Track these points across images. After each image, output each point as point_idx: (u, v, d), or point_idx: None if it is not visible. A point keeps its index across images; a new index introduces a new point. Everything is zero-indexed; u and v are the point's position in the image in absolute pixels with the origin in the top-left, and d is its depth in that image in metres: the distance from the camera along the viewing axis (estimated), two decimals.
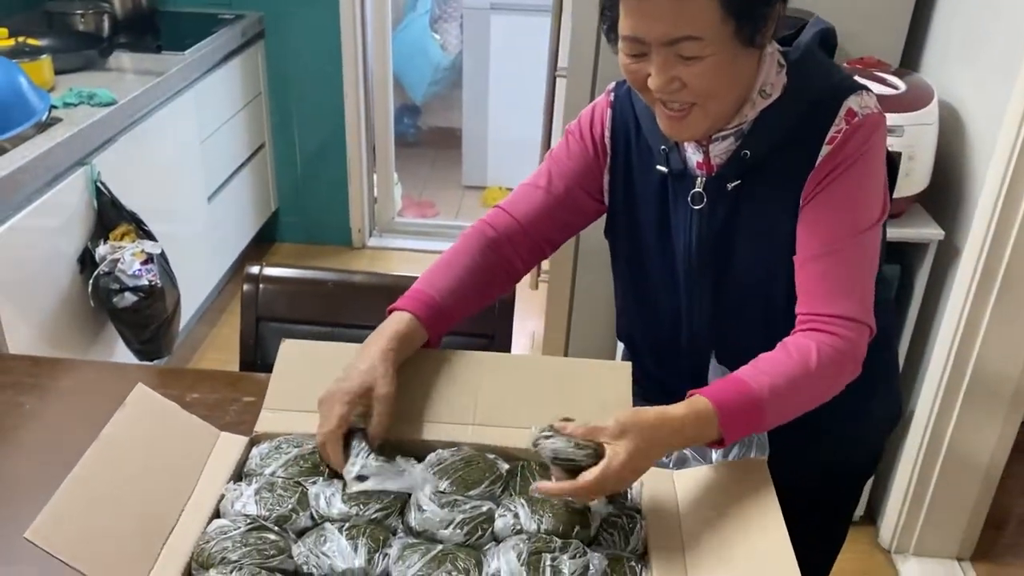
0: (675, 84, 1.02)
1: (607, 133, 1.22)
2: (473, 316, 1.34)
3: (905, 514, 2.16)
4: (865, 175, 1.09)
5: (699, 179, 1.15)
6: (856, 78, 1.14)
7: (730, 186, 1.13)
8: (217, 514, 0.97)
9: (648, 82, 1.03)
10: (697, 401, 1.00)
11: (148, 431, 0.99)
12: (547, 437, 0.95)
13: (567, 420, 0.98)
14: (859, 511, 2.28)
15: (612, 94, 1.24)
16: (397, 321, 1.12)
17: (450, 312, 1.16)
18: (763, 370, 1.03)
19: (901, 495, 2.16)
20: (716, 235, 1.16)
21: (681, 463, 1.10)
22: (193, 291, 2.69)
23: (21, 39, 2.35)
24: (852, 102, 1.08)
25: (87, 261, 2.14)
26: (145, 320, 2.17)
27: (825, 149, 1.08)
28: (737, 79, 1.05)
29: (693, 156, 1.15)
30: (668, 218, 1.20)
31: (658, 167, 1.18)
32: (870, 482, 2.25)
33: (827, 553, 1.48)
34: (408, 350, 1.11)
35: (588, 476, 0.93)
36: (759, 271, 1.15)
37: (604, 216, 1.29)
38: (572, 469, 0.94)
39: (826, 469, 1.34)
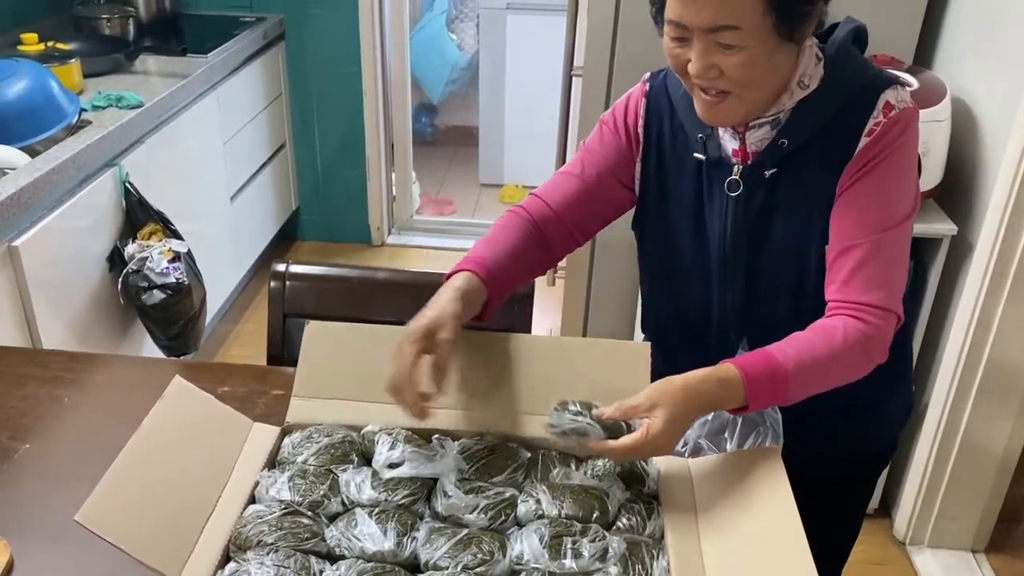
0: (713, 71, 1.06)
1: (641, 122, 1.25)
2: None
3: (920, 506, 2.18)
4: (900, 167, 1.12)
5: (736, 167, 1.18)
6: (891, 72, 1.18)
7: (768, 174, 1.16)
8: (252, 500, 1.01)
9: (688, 67, 1.07)
10: (723, 368, 1.04)
11: (186, 421, 1.04)
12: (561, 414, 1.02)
13: (587, 405, 1.02)
14: (874, 503, 2.30)
15: (648, 84, 1.26)
16: (456, 278, 1.14)
17: (503, 274, 1.18)
18: (790, 345, 1.07)
19: (916, 487, 2.18)
20: (751, 222, 1.19)
21: (696, 452, 1.14)
22: (217, 289, 2.75)
23: (50, 44, 2.41)
24: (889, 95, 1.12)
25: (116, 259, 2.20)
26: (173, 316, 2.22)
27: (864, 140, 1.11)
28: (773, 72, 1.09)
29: (729, 144, 1.18)
30: (703, 205, 1.23)
31: (695, 155, 1.21)
32: (885, 474, 2.27)
33: (843, 543, 1.50)
34: (471, 303, 1.12)
35: (627, 440, 0.99)
36: (792, 258, 1.18)
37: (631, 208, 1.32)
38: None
39: (842, 460, 1.37)
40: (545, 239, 1.26)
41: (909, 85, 1.91)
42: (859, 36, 1.19)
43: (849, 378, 1.11)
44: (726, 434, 1.19)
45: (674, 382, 1.02)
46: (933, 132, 1.90)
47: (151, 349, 2.36)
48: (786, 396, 1.07)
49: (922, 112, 1.86)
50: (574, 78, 2.31)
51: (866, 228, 1.11)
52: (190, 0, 3.26)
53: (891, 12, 2.05)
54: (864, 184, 1.12)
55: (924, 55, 2.16)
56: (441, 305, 1.09)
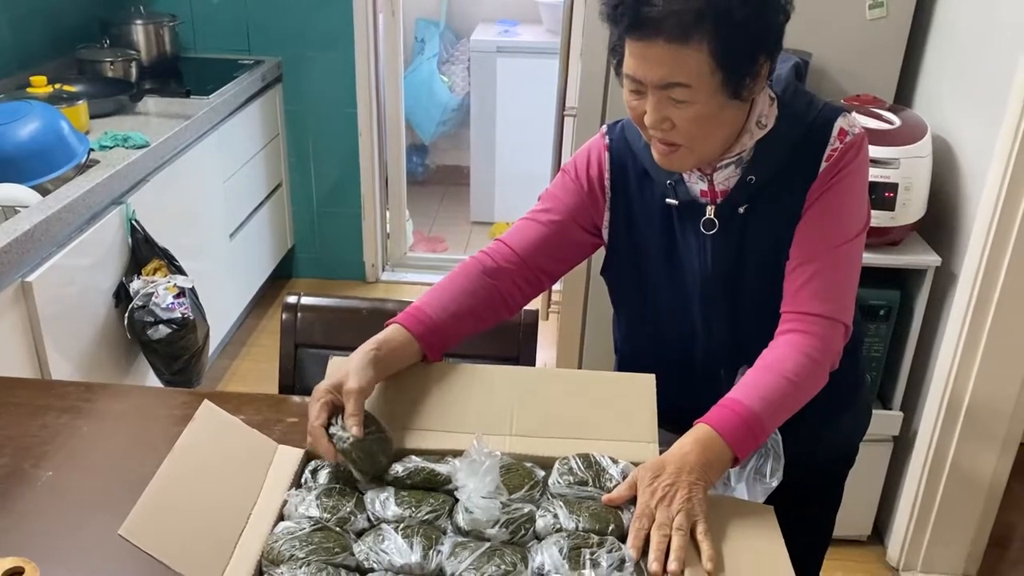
0: (666, 124, 1.13)
1: (607, 175, 1.31)
2: (499, 339, 1.43)
3: (912, 532, 2.22)
4: (853, 187, 1.21)
5: (708, 206, 1.25)
6: (841, 102, 1.26)
7: (741, 209, 1.23)
8: (281, 517, 1.05)
9: (644, 118, 1.15)
10: (701, 430, 1.11)
11: (216, 443, 1.08)
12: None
13: (585, 458, 1.12)
14: (867, 530, 2.34)
15: (606, 136, 1.32)
16: (387, 331, 1.22)
17: (443, 328, 1.24)
18: (747, 385, 1.16)
19: (907, 514, 2.22)
20: (730, 256, 1.25)
21: None
22: (215, 326, 2.77)
23: (58, 86, 2.46)
24: (842, 123, 1.21)
25: (122, 295, 2.23)
26: (177, 351, 2.25)
27: (824, 165, 1.20)
28: (721, 126, 1.16)
29: (696, 185, 1.25)
30: (676, 247, 1.29)
31: (667, 200, 1.27)
32: (876, 503, 2.32)
33: (814, 548, 1.54)
34: (394, 356, 1.20)
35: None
36: (772, 285, 1.25)
37: (601, 254, 1.37)
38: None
39: (805, 463, 1.40)
40: (505, 285, 1.31)
41: (891, 123, 2.01)
42: (799, 70, 1.28)
43: (811, 394, 1.19)
44: None
45: (665, 456, 1.10)
46: (915, 167, 1.98)
47: (154, 384, 2.38)
48: (764, 433, 1.14)
49: (905, 148, 1.97)
50: (567, 118, 2.38)
51: (821, 244, 1.20)
52: (190, 43, 3.33)
53: (873, 53, 2.15)
54: (821, 203, 1.20)
55: (904, 94, 2.25)
56: (351, 359, 1.16)
